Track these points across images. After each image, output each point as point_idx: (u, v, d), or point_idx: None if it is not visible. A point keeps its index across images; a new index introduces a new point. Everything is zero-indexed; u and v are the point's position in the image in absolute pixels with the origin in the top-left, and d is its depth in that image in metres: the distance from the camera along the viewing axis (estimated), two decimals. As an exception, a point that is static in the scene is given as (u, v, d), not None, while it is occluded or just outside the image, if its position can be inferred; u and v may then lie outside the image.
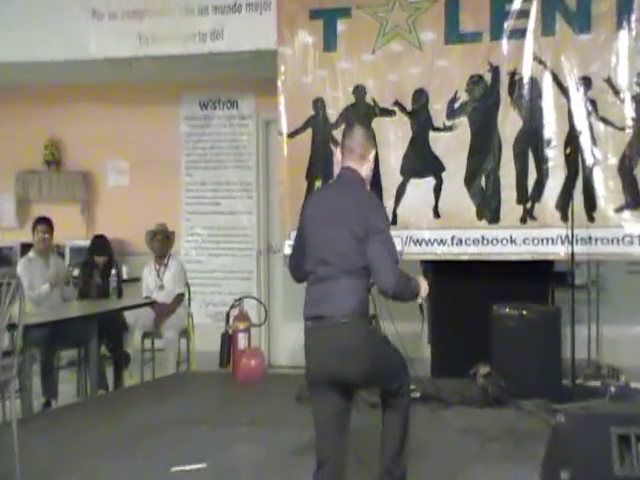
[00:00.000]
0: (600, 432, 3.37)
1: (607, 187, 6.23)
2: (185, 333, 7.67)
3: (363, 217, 3.73)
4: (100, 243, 7.75)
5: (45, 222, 7.29)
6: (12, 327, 4.67)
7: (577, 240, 6.17)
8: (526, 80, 6.39)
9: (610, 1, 6.17)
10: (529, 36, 6.35)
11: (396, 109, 6.60)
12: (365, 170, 3.96)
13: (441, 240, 6.50)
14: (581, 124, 6.25)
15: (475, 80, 6.47)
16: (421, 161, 6.51)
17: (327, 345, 3.69)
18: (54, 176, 9.32)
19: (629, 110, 6.18)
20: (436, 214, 6.53)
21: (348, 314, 3.66)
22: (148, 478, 4.54)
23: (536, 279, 6.69)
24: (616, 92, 6.19)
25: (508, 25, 6.39)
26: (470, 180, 6.49)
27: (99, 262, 7.62)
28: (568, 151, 6.25)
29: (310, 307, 3.77)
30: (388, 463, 3.91)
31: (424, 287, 3.80)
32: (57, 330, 6.71)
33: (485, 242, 6.46)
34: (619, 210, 6.21)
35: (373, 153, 4.01)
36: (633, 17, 6.13)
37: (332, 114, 6.79)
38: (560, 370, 6.24)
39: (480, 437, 5.23)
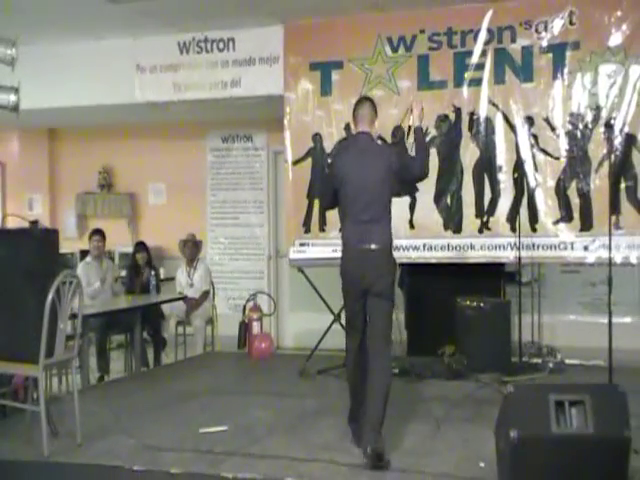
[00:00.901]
0: (541, 399, 3.38)
1: (546, 204, 6.23)
2: (210, 321, 7.67)
3: (387, 158, 4.32)
4: (140, 245, 7.80)
5: (99, 233, 7.32)
6: (73, 316, 4.69)
7: (523, 246, 6.17)
8: (482, 119, 6.40)
9: (548, 57, 6.19)
10: (484, 84, 6.36)
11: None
12: (373, 132, 4.46)
13: (415, 247, 6.51)
14: (526, 154, 6.26)
15: (442, 119, 6.48)
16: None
17: (368, 263, 4.21)
18: (106, 196, 9.35)
19: (563, 143, 6.19)
20: (411, 226, 6.54)
21: (384, 245, 4.25)
22: (181, 437, 4.54)
23: (490, 278, 6.69)
24: (553, 129, 6.20)
25: (468, 75, 6.40)
26: (438, 198, 6.50)
27: (140, 259, 7.63)
28: (515, 175, 6.27)
29: (357, 240, 4.25)
30: (375, 421, 4.01)
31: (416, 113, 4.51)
32: (109, 319, 6.74)
33: (450, 248, 6.46)
34: (556, 222, 6.22)
35: (376, 120, 4.50)
36: (565, 70, 6.14)
37: (328, 146, 6.79)
38: (510, 350, 6.25)
39: (446, 404, 5.24)
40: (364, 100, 4.55)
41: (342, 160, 4.48)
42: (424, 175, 4.57)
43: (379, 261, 4.23)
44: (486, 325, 6.15)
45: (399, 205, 6.49)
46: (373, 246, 4.22)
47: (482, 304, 6.24)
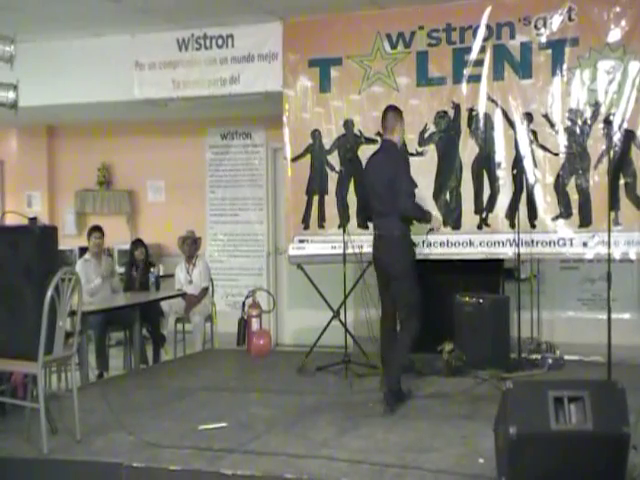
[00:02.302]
0: (540, 395, 3.38)
1: (545, 201, 6.22)
2: (209, 318, 7.66)
3: (394, 171, 5.11)
4: (138, 242, 7.78)
5: (98, 230, 7.32)
6: (72, 314, 4.68)
7: (522, 243, 6.15)
8: (481, 115, 6.37)
9: (546, 54, 6.18)
10: (483, 80, 6.34)
11: (378, 138, 6.54)
12: (396, 138, 5.32)
13: (414, 243, 6.50)
14: (525, 150, 6.25)
15: (441, 115, 6.46)
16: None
17: (386, 246, 5.19)
18: (105, 193, 9.35)
19: (562, 139, 6.17)
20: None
21: (399, 231, 5.15)
22: (180, 434, 4.54)
23: (489, 274, 6.70)
24: (552, 125, 6.19)
25: (467, 71, 6.37)
26: (437, 195, 6.48)
27: (138, 255, 7.61)
28: (514, 172, 6.25)
29: (377, 228, 5.28)
30: (393, 370, 5.06)
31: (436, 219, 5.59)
32: (108, 316, 6.74)
33: (449, 244, 6.45)
34: (555, 219, 6.20)
35: (399, 125, 5.33)
36: (564, 66, 6.12)
37: (326, 143, 6.78)
38: (509, 346, 6.24)
39: (446, 400, 5.26)
40: (386, 110, 5.35)
41: (369, 162, 5.42)
42: (401, 211, 5.14)
43: (394, 246, 5.13)
44: (485, 321, 6.15)
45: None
46: (388, 233, 5.12)
47: (481, 300, 6.23)
